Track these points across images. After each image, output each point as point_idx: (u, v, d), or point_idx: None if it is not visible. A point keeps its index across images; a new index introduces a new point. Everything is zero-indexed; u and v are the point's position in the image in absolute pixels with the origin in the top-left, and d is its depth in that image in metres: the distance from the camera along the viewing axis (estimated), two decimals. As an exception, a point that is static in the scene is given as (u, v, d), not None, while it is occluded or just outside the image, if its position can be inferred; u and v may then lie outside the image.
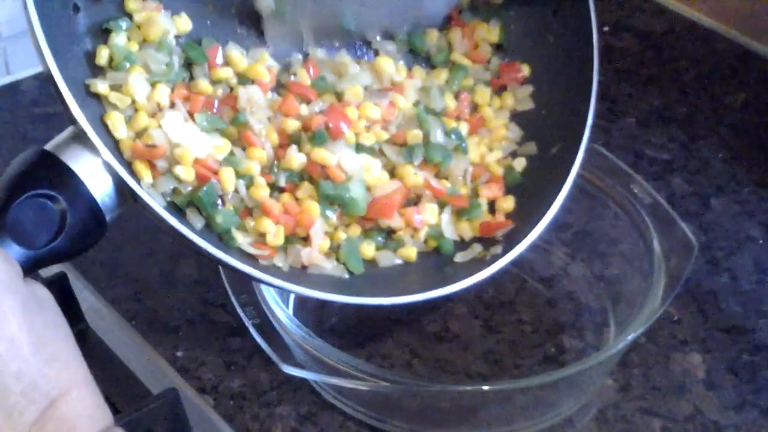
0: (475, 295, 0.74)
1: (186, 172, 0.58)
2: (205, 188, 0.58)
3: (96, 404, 0.45)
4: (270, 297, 0.64)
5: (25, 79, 0.92)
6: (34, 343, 0.44)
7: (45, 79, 0.53)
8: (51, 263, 0.51)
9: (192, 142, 0.59)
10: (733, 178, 0.87)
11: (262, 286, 0.64)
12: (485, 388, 0.62)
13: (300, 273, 0.61)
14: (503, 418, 0.64)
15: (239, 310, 0.62)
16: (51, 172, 0.51)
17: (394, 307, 0.61)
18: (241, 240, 0.60)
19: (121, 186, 0.53)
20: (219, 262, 0.57)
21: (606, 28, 1.02)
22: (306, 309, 0.71)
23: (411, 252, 0.64)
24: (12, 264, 0.45)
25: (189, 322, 0.72)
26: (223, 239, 0.60)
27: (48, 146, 0.52)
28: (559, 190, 0.65)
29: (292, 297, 0.71)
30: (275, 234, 0.60)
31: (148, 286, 0.74)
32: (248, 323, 0.62)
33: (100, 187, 0.52)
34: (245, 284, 0.64)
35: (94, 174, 0.52)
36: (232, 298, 0.63)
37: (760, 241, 0.81)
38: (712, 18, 1.04)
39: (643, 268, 0.68)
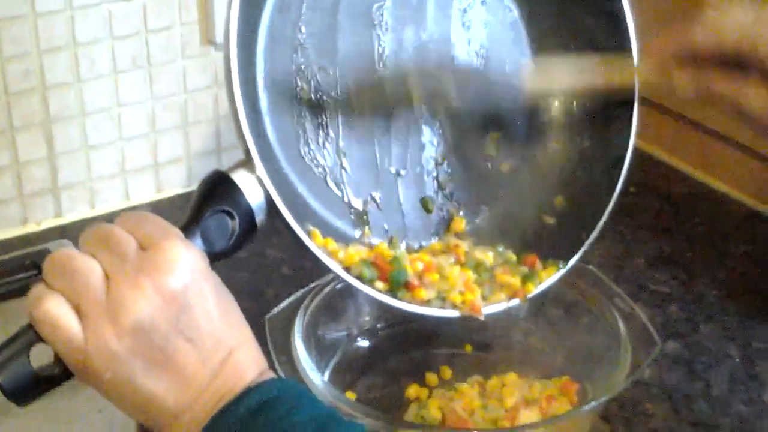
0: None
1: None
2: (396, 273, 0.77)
3: (258, 355, 0.64)
4: (305, 361, 0.80)
5: (142, 205, 1.13)
6: (221, 313, 0.62)
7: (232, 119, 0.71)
8: (218, 260, 0.69)
9: None
10: (722, 310, 1.00)
11: (298, 353, 0.81)
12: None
13: None
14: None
15: (276, 366, 0.79)
16: (225, 189, 0.69)
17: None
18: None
19: (269, 198, 0.71)
20: (337, 273, 0.75)
21: (632, 189, 1.19)
22: (337, 381, 0.87)
23: None
24: (206, 258, 0.63)
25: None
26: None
27: (222, 169, 0.71)
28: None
29: (329, 369, 0.87)
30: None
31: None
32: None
33: (255, 199, 0.70)
34: (286, 347, 0.81)
35: (250, 186, 0.70)
36: (273, 355, 0.80)
37: (737, 359, 0.94)
38: (727, 184, 1.20)
39: (613, 358, 0.82)
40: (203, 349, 0.61)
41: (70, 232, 1.08)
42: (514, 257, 0.82)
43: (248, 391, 0.61)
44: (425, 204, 0.86)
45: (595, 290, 0.88)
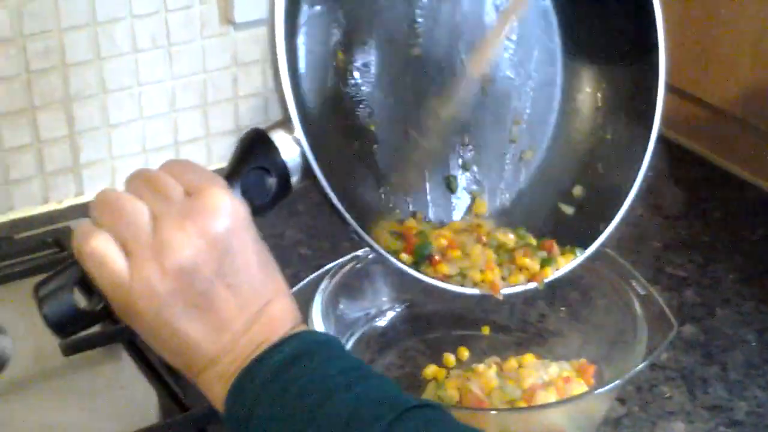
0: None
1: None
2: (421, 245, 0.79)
3: (293, 307, 0.65)
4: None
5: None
6: (259, 264, 0.63)
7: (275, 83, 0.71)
8: (255, 215, 0.68)
9: None
10: (739, 294, 1.01)
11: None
12: (493, 412, 0.78)
13: None
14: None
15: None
16: (264, 147, 0.70)
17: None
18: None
19: (304, 159, 0.71)
20: (364, 240, 0.74)
21: (650, 173, 1.19)
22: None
23: None
24: (248, 208, 0.64)
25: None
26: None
27: (261, 127, 0.71)
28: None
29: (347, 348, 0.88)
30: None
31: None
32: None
33: (291, 158, 0.70)
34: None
35: (287, 146, 0.70)
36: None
37: (753, 344, 0.94)
38: (744, 169, 1.20)
39: (629, 341, 0.83)
40: (241, 296, 0.62)
41: (91, 211, 1.09)
42: (534, 241, 0.83)
43: (283, 342, 0.62)
44: (449, 183, 0.87)
45: (612, 273, 0.89)
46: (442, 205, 0.86)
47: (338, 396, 0.59)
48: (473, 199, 0.87)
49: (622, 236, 1.07)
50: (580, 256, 0.82)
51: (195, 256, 0.60)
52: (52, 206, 1.10)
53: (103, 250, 0.61)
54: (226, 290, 0.62)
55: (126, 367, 0.88)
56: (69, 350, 0.85)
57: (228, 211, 0.62)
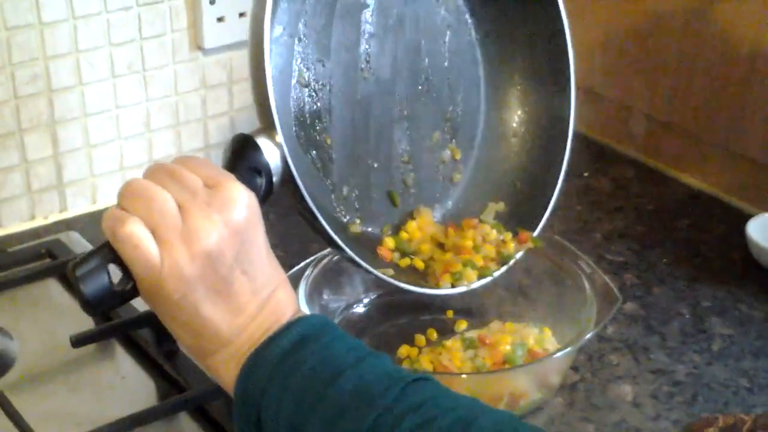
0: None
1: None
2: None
3: (294, 295, 0.73)
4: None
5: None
6: (267, 252, 0.70)
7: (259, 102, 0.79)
8: None
9: None
10: (672, 275, 1.12)
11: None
12: (464, 376, 0.88)
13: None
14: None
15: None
16: (253, 150, 0.77)
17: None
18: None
19: (284, 162, 0.79)
20: (334, 244, 0.84)
21: (586, 173, 1.31)
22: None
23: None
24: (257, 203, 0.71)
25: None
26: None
27: (248, 132, 0.79)
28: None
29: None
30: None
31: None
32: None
33: (273, 161, 0.78)
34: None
35: (270, 150, 0.78)
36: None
37: (687, 316, 1.06)
38: (671, 166, 1.32)
39: (580, 314, 0.93)
40: (255, 282, 0.69)
41: (75, 225, 1.17)
42: (509, 234, 0.95)
43: (290, 325, 0.69)
44: (392, 197, 0.96)
45: (560, 257, 1.00)
46: (385, 216, 0.96)
47: (347, 372, 0.66)
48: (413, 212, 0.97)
49: (565, 229, 1.19)
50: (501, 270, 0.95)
51: (219, 242, 0.67)
52: (38, 222, 1.17)
53: (138, 235, 0.67)
54: (243, 276, 0.68)
55: (123, 361, 0.96)
56: (77, 343, 0.92)
57: (245, 202, 0.68)
